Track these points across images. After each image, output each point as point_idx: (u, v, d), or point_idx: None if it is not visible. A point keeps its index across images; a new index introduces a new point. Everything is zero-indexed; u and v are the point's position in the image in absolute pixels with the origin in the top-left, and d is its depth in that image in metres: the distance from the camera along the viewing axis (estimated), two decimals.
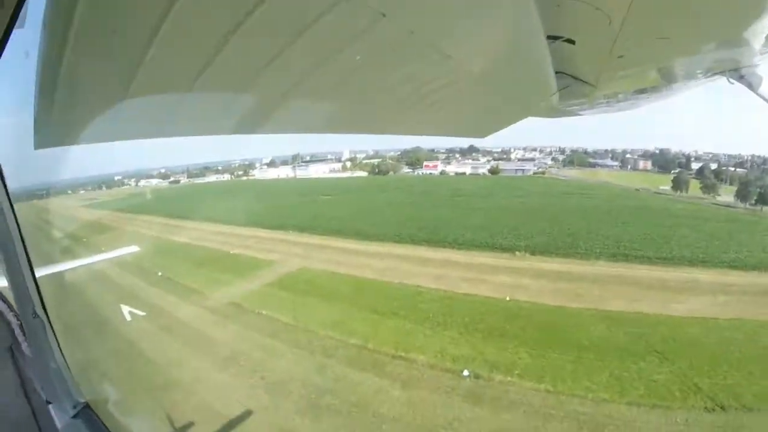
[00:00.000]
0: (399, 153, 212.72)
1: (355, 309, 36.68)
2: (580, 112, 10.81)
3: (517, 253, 52.52)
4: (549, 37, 3.96)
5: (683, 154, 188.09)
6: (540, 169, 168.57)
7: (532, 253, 52.42)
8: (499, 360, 28.77)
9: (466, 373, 27.37)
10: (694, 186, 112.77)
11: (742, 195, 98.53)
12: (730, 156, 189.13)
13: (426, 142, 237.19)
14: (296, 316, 35.26)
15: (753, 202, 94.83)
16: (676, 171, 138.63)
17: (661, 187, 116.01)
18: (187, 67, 2.94)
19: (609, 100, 9.16)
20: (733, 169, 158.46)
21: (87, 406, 4.02)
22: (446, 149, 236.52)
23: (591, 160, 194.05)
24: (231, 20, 2.49)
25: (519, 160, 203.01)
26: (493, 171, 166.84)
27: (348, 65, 3.49)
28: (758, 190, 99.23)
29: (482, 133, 10.72)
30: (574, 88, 6.30)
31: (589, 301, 38.73)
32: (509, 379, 27.00)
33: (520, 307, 37.45)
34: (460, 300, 38.80)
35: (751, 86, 5.33)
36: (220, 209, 71.38)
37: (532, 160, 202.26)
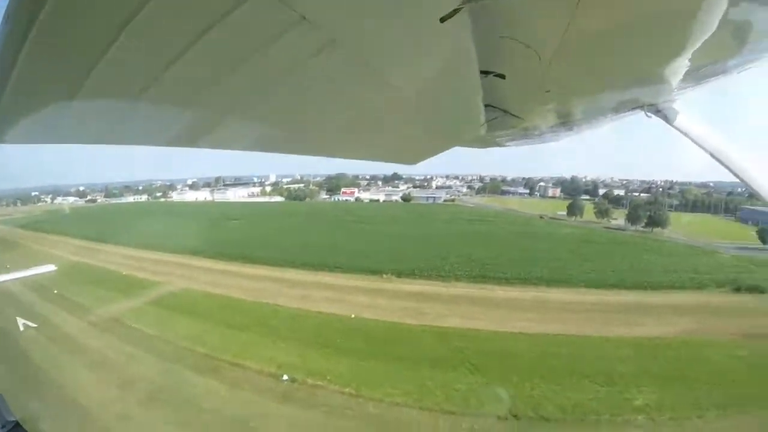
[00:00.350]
0: (324, 178, 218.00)
1: (214, 324, 40.61)
2: (506, 144, 10.98)
3: (384, 275, 56.90)
4: (482, 72, 4.11)
5: (592, 181, 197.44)
6: (450, 197, 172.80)
7: (398, 276, 56.81)
8: (320, 368, 32.83)
9: (285, 377, 31.56)
10: (590, 210, 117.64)
11: (632, 218, 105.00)
12: (642, 182, 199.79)
13: (351, 167, 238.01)
14: (162, 329, 39.11)
15: (644, 224, 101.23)
16: (575, 197, 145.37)
17: (559, 213, 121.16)
18: (137, 77, 2.89)
19: (533, 132, 9.35)
20: (637, 194, 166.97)
21: (17, 424, 4.04)
22: (370, 175, 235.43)
23: (504, 187, 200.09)
24: (182, 39, 2.53)
25: (437, 187, 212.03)
26: (405, 198, 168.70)
27: (292, 88, 3.53)
28: (648, 213, 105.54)
29: (412, 160, 11.06)
30: (501, 120, 6.50)
31: (429, 318, 43.20)
32: (320, 383, 31.04)
33: (362, 323, 41.85)
34: (311, 317, 43.06)
35: (667, 119, 5.65)
36: (127, 232, 73.93)
37: (449, 187, 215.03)
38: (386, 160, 10.81)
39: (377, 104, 4.47)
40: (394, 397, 29.89)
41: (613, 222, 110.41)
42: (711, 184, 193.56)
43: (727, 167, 5.14)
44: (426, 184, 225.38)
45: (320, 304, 46.28)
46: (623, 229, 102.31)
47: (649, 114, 5.77)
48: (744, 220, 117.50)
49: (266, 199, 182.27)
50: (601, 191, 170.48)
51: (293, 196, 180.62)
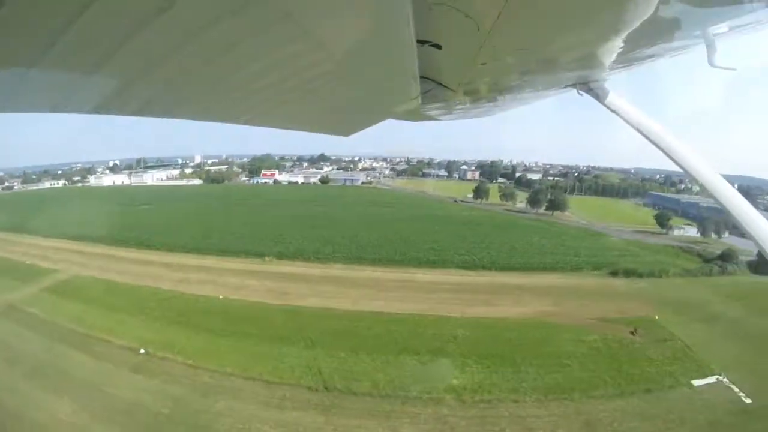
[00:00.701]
0: (250, 159, 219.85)
1: (95, 306, 45.69)
2: (439, 117, 10.89)
3: (266, 258, 61.89)
4: (418, 41, 3.87)
5: (511, 165, 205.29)
6: (369, 180, 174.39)
7: (280, 258, 62.13)
8: (175, 343, 38.16)
9: (142, 351, 36.97)
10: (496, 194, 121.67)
11: (532, 202, 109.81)
12: (565, 166, 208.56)
13: (279, 149, 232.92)
14: (50, 312, 44.38)
15: (544, 207, 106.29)
16: (485, 181, 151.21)
17: (468, 196, 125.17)
18: (38, 35, 2.39)
19: (466, 107, 9.34)
20: (552, 178, 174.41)
21: None
22: (298, 156, 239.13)
23: (427, 170, 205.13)
24: None
25: (361, 169, 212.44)
26: (323, 181, 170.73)
27: (216, 50, 3.13)
28: (549, 197, 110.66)
29: (345, 132, 10.74)
30: (435, 92, 6.34)
31: (289, 298, 48.66)
32: (169, 356, 36.27)
33: (225, 303, 47.45)
34: (183, 299, 48.46)
35: (598, 98, 5.76)
36: (36, 220, 76.38)
37: (373, 169, 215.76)
38: (319, 131, 10.35)
39: (310, 69, 4.21)
40: (227, 368, 34.86)
41: (519, 205, 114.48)
42: (631, 171, 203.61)
43: (653, 143, 5.43)
44: (352, 166, 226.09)
45: (195, 287, 51.37)
46: (525, 212, 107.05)
47: (580, 92, 5.98)
48: (650, 205, 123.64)
49: (184, 182, 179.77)
50: (518, 175, 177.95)
51: (211, 179, 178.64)
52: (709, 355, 36.79)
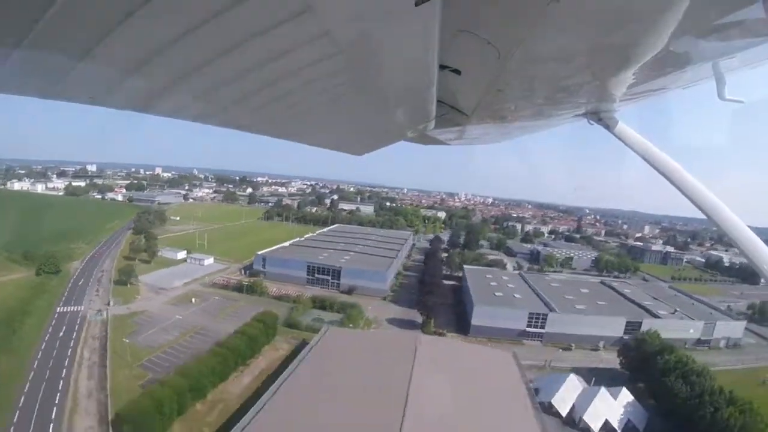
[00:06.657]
0: (176, 175, 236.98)
1: None
2: (448, 142, 10.51)
3: None
4: (441, 66, 3.98)
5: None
6: (167, 202, 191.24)
7: None
8: None
9: None
10: None
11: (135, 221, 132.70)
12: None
13: (208, 166, 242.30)
14: None
15: None
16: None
17: None
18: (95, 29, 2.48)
19: (477, 132, 9.15)
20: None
21: None
22: (216, 174, 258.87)
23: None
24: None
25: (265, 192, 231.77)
26: (131, 199, 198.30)
27: (250, 61, 3.19)
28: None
29: (359, 151, 10.42)
30: (449, 116, 6.41)
31: None
32: None
33: None
34: None
35: (608, 127, 5.69)
36: None
37: (257, 193, 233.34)
38: (334, 149, 9.73)
39: (336, 88, 4.17)
40: None
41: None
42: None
43: (660, 172, 5.37)
44: (257, 188, 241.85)
45: None
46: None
47: (591, 122, 5.93)
48: None
49: (54, 192, 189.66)
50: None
51: (68, 192, 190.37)
52: None
